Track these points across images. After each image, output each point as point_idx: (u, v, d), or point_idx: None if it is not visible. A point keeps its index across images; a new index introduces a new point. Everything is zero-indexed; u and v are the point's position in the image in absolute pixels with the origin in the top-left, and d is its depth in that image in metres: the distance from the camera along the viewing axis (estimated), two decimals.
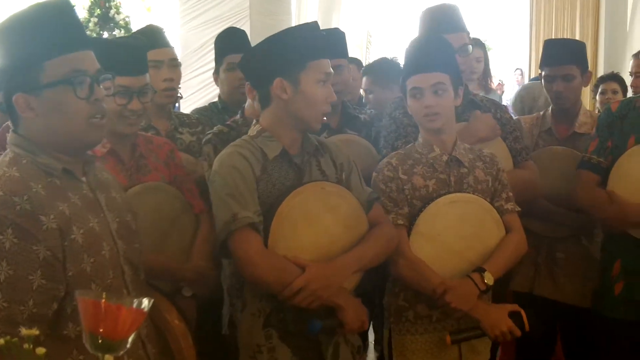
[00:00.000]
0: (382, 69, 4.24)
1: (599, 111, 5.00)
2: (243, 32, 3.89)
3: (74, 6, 1.93)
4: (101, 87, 1.88)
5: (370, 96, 4.45)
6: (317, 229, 2.38)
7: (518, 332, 2.61)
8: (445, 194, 2.67)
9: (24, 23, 1.82)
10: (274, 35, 2.44)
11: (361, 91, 4.98)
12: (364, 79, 4.59)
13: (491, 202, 2.73)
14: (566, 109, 3.49)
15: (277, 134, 2.43)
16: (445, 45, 2.74)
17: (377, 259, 2.50)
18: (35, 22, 1.81)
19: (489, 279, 2.61)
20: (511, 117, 3.39)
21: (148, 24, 3.52)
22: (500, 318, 2.62)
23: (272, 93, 2.39)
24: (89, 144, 1.92)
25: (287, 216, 2.32)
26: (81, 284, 1.80)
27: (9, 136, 1.89)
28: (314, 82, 2.36)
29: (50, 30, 1.81)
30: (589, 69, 3.56)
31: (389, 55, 4.58)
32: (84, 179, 1.93)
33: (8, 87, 1.83)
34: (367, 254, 2.45)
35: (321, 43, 2.44)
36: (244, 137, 2.49)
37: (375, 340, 4.18)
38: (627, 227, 2.92)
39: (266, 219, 2.33)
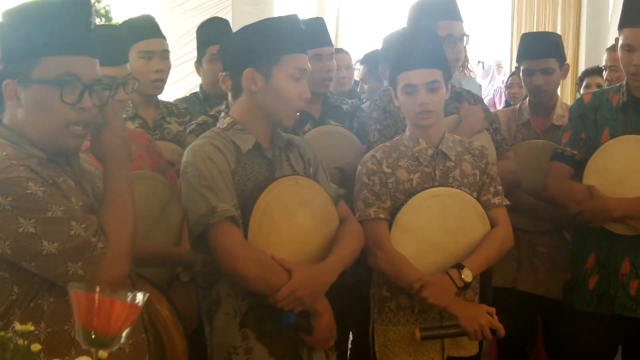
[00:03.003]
0: (378, 60, 4.24)
1: None
2: (226, 22, 3.86)
3: (92, 9, 1.92)
4: (96, 98, 1.86)
5: (366, 86, 4.46)
6: (292, 223, 2.35)
7: (501, 329, 2.59)
8: (428, 188, 2.65)
9: (35, 12, 1.81)
10: (252, 24, 2.39)
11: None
12: (361, 68, 4.60)
13: (478, 196, 2.72)
14: (544, 101, 3.51)
15: (249, 126, 2.36)
16: (436, 39, 2.72)
17: (354, 256, 2.48)
18: (47, 15, 1.80)
19: (467, 276, 2.58)
20: (487, 108, 3.41)
21: (142, 14, 3.51)
22: (478, 313, 2.60)
23: (243, 83, 2.33)
24: (64, 149, 1.89)
25: (264, 211, 2.28)
26: None
27: None
28: (286, 77, 2.30)
29: (58, 26, 1.80)
30: (570, 62, 3.58)
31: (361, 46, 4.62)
32: (68, 168, 1.92)
33: (1, 71, 1.81)
34: (348, 252, 2.43)
35: (299, 37, 2.37)
36: (213, 129, 2.42)
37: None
38: (605, 222, 2.91)
39: (243, 214, 2.27)
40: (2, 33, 1.83)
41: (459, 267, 2.60)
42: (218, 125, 2.42)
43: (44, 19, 1.79)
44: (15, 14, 1.82)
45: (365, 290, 2.88)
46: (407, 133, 2.75)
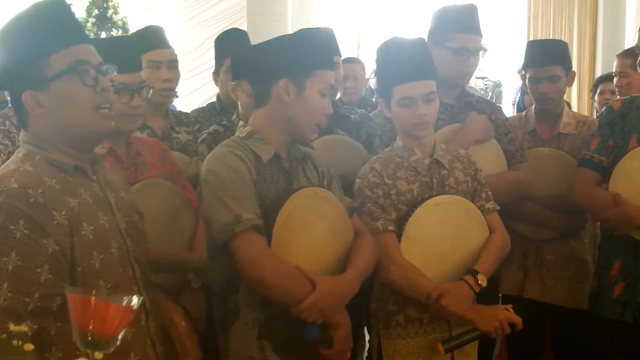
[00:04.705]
0: None
1: (597, 112, 4.99)
2: (245, 33, 3.87)
3: (69, 4, 1.97)
4: (106, 78, 1.91)
5: None
6: (311, 235, 2.34)
7: (519, 322, 2.57)
8: (429, 197, 2.65)
9: (25, 22, 1.86)
10: (287, 35, 2.40)
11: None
12: (375, 78, 4.62)
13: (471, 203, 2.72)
14: (550, 109, 3.49)
15: (268, 136, 2.35)
16: (427, 50, 2.72)
17: (371, 269, 2.48)
18: (36, 20, 1.86)
19: (482, 281, 2.59)
20: (507, 118, 3.39)
21: (148, 24, 3.54)
22: (494, 312, 2.59)
23: (273, 93, 2.32)
24: (99, 134, 1.94)
25: (286, 222, 2.26)
26: (90, 280, 1.82)
27: (21, 134, 1.93)
28: (316, 90, 2.31)
29: (52, 25, 1.85)
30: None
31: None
32: (94, 177, 1.96)
33: (15, 87, 1.87)
34: (367, 266, 2.42)
35: (331, 53, 2.40)
36: (232, 137, 2.41)
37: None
38: (630, 230, 2.88)
39: (264, 224, 2.26)
40: (3, 54, 1.88)
41: (474, 272, 2.60)
42: (237, 133, 2.42)
43: (38, 23, 1.85)
44: (7, 31, 1.87)
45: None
46: (400, 144, 2.74)
